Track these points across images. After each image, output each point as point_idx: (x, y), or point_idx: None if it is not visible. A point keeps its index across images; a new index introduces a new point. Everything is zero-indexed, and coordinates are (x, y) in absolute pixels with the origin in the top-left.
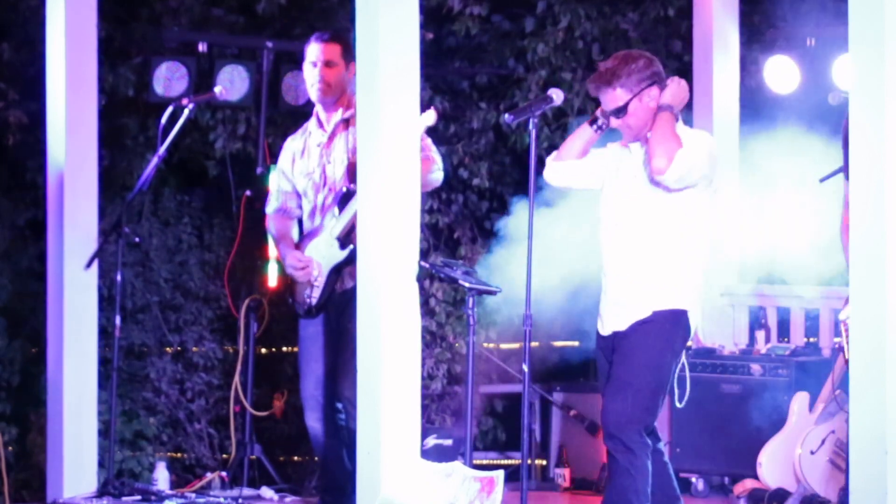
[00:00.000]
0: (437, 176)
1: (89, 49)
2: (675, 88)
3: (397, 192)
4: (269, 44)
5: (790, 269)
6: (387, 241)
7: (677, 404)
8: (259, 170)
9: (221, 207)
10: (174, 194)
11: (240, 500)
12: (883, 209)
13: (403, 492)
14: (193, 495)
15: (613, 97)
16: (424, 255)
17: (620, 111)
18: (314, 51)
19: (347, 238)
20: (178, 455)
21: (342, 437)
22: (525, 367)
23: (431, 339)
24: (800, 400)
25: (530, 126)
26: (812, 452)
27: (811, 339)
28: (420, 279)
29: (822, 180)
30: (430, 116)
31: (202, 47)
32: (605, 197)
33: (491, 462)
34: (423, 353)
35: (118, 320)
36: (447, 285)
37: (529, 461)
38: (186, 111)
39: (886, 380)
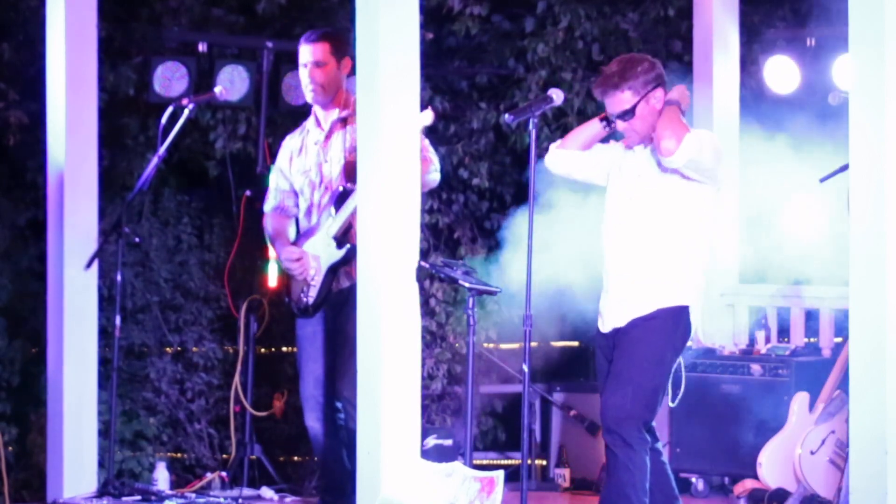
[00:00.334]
0: (434, 177)
1: (89, 49)
2: (682, 90)
3: (397, 192)
4: (269, 44)
5: (790, 269)
6: (387, 240)
7: (670, 403)
8: (259, 170)
9: (221, 207)
10: (174, 194)
11: (240, 500)
12: (883, 209)
13: (403, 492)
14: (193, 495)
15: (621, 100)
16: (424, 255)
17: (628, 114)
18: (303, 52)
19: (344, 237)
20: (178, 455)
21: (342, 436)
22: (525, 367)
23: (431, 339)
24: (800, 400)
25: (530, 126)
26: (812, 452)
27: (811, 339)
28: (420, 279)
29: (822, 180)
30: (427, 116)
31: (202, 47)
32: (609, 195)
33: (491, 462)
34: (423, 353)
35: (118, 320)
36: (447, 285)
37: (529, 461)
38: (186, 111)
39: (886, 380)
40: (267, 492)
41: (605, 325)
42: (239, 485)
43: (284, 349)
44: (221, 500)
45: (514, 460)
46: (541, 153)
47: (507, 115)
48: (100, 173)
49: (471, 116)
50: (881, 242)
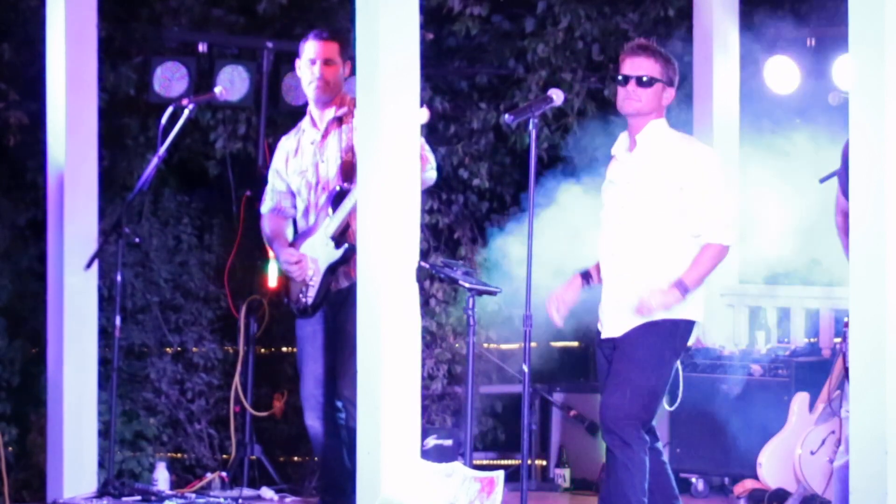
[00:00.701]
0: (431, 175)
1: (89, 49)
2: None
3: (397, 192)
4: (269, 44)
5: (790, 269)
6: (387, 241)
7: (667, 407)
8: (259, 170)
9: (221, 208)
10: (174, 194)
11: (240, 501)
12: (883, 209)
13: (403, 492)
14: (193, 496)
15: (650, 67)
16: (424, 255)
17: (648, 83)
18: (312, 48)
19: (342, 237)
20: (179, 455)
21: (342, 436)
22: (525, 368)
23: (431, 339)
24: (800, 400)
25: (530, 126)
26: (812, 452)
27: (811, 340)
28: (420, 279)
29: (822, 181)
30: (423, 115)
31: (202, 47)
32: (603, 204)
33: (491, 462)
34: (423, 353)
35: (118, 320)
36: (447, 285)
37: (529, 461)
38: (186, 111)
39: (886, 380)
40: (267, 492)
41: (604, 331)
42: (239, 485)
43: (284, 349)
44: (221, 500)
45: (514, 460)
46: (541, 153)
47: (507, 116)
48: (100, 173)
49: (471, 116)
50: (881, 242)
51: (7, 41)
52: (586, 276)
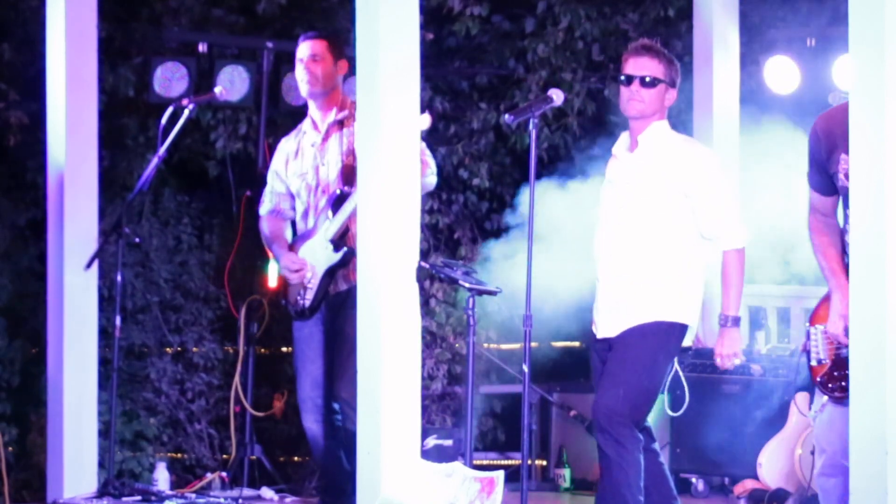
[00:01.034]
0: (431, 180)
1: (89, 49)
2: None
3: (397, 193)
4: (270, 44)
5: (790, 269)
6: (387, 241)
7: (669, 412)
8: (259, 170)
9: (222, 208)
10: (174, 195)
11: (240, 501)
12: (883, 209)
13: (403, 492)
14: (194, 496)
15: (654, 68)
16: (424, 255)
17: (651, 83)
18: (301, 49)
19: (341, 240)
20: (179, 455)
21: (340, 437)
22: (525, 368)
23: (431, 339)
24: (800, 400)
25: (530, 126)
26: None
27: None
28: (420, 279)
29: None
30: (425, 120)
31: (202, 47)
32: (601, 203)
33: (491, 462)
34: (423, 353)
35: (118, 321)
36: (447, 285)
37: (529, 461)
38: (187, 111)
39: (886, 380)
40: (267, 492)
41: (599, 332)
42: (239, 485)
43: (284, 349)
44: (221, 500)
45: (514, 460)
46: (541, 153)
47: (507, 116)
48: (100, 173)
49: (471, 116)
50: (881, 242)
51: (7, 41)
52: None
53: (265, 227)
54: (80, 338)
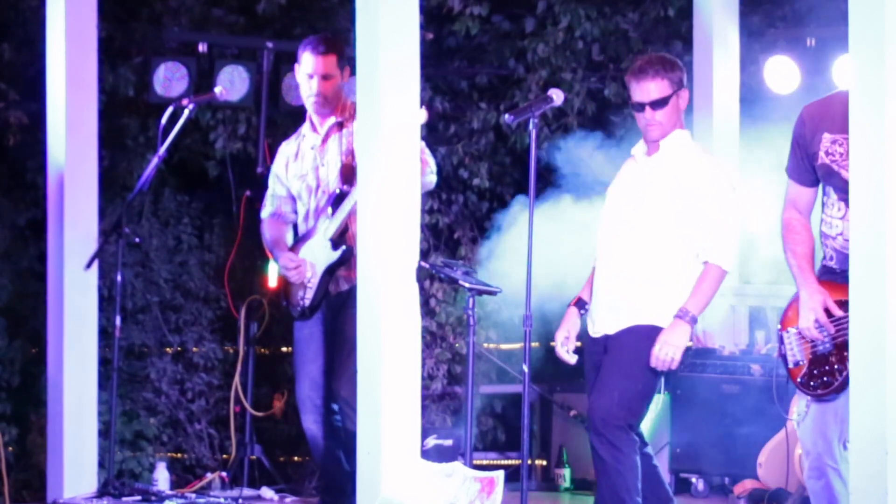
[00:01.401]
0: (431, 179)
1: (89, 49)
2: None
3: (397, 192)
4: (269, 44)
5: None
6: (387, 241)
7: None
8: (259, 170)
9: (221, 208)
10: (174, 195)
11: (240, 501)
12: (883, 209)
13: (403, 492)
14: (194, 495)
15: (659, 87)
16: (424, 255)
17: (662, 102)
18: (310, 62)
19: (341, 239)
20: (179, 455)
21: (339, 438)
22: (525, 368)
23: (431, 339)
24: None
25: (530, 126)
26: None
27: None
28: (420, 279)
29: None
30: (421, 115)
31: (202, 47)
32: (607, 201)
33: (491, 462)
34: (423, 353)
35: (118, 320)
36: (447, 285)
37: (529, 461)
38: (186, 111)
39: (886, 380)
40: (267, 492)
41: (594, 331)
42: (239, 485)
43: (284, 349)
44: (221, 500)
45: (514, 460)
46: (541, 153)
47: (507, 116)
48: (100, 173)
49: (471, 116)
50: (881, 242)
51: (7, 41)
52: (580, 303)
53: (266, 230)
54: (80, 338)
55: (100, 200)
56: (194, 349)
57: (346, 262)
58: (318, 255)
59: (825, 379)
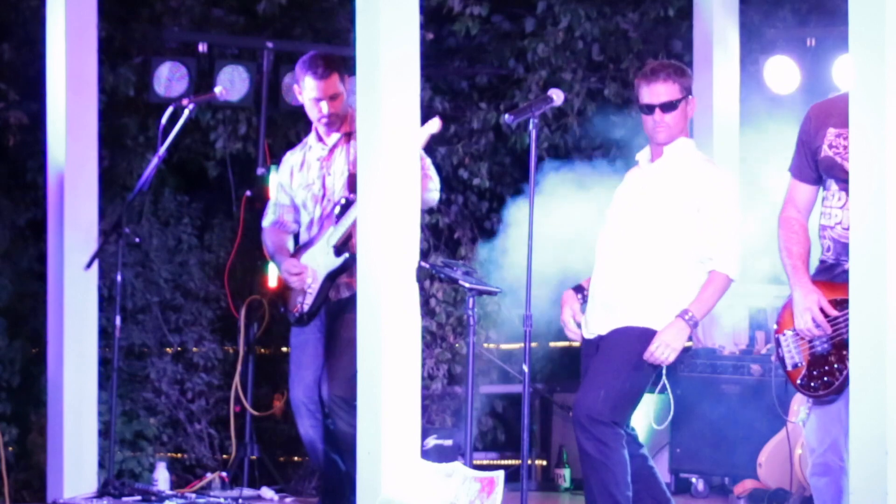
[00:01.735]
0: (434, 196)
1: (89, 49)
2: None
3: (398, 193)
4: (270, 44)
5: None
6: (387, 241)
7: (655, 426)
8: (259, 170)
9: (221, 208)
10: (174, 195)
11: (240, 501)
12: (883, 209)
13: (404, 492)
14: (194, 496)
15: (669, 90)
16: (424, 255)
17: (672, 106)
18: (314, 87)
19: (344, 246)
20: (179, 455)
21: (335, 440)
22: (525, 368)
23: (431, 339)
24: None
25: (530, 126)
26: None
27: None
28: (420, 279)
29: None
30: (435, 124)
31: (202, 47)
32: (611, 205)
33: (491, 462)
34: (423, 353)
35: (118, 320)
36: (447, 285)
37: (529, 461)
38: (186, 111)
39: (886, 380)
40: (267, 492)
41: (588, 332)
42: (239, 485)
43: (284, 349)
44: (221, 500)
45: (514, 460)
46: (541, 153)
47: (507, 116)
48: (100, 173)
49: (471, 116)
50: (881, 242)
51: (7, 41)
52: (578, 289)
53: (268, 238)
54: (80, 338)
55: (100, 200)
56: (194, 349)
57: (349, 269)
58: (320, 261)
59: (825, 379)
